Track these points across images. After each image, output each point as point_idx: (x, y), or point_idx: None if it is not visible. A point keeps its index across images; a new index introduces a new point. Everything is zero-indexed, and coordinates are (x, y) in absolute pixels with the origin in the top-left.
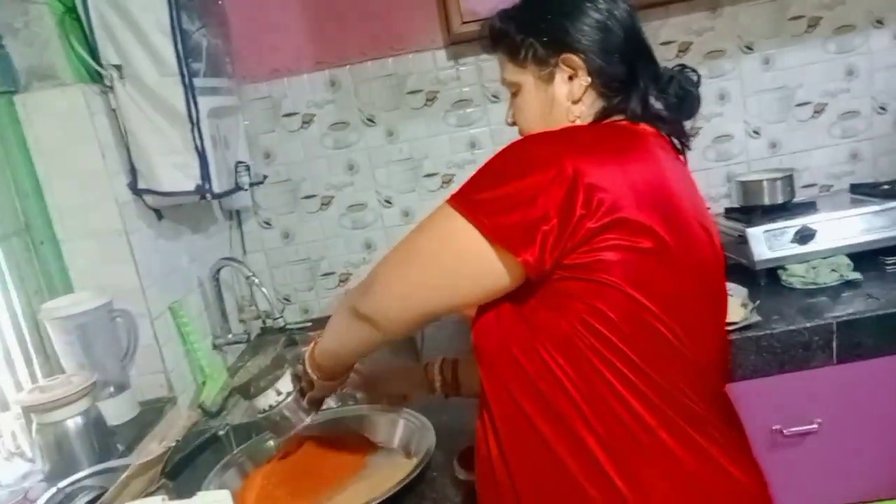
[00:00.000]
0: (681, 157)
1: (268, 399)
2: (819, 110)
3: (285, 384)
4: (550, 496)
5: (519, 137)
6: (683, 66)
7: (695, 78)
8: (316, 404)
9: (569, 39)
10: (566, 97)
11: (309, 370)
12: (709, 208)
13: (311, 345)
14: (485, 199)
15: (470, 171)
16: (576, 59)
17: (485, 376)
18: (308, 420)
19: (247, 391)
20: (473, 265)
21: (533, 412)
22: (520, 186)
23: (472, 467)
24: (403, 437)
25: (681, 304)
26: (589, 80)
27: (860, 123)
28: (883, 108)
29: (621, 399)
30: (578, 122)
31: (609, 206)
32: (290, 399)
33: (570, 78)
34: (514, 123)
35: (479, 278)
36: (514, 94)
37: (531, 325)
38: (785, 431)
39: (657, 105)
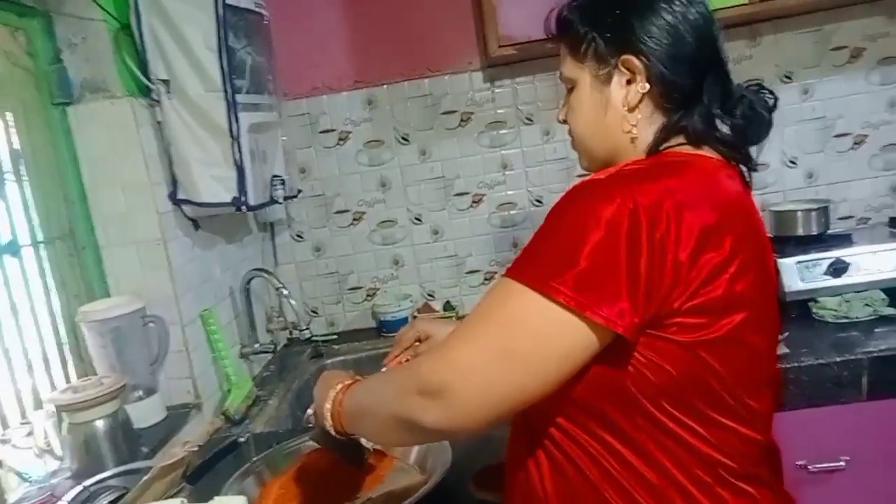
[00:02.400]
0: (747, 187)
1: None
2: (859, 142)
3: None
4: None
5: (557, 157)
6: (761, 86)
7: (770, 101)
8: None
9: (633, 39)
10: (621, 102)
11: (326, 418)
12: None
13: (339, 390)
14: (557, 266)
15: (500, 192)
16: (636, 63)
17: (532, 413)
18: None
19: None
20: (560, 342)
21: (577, 454)
22: (591, 242)
23: (487, 487)
24: (419, 453)
25: (751, 368)
26: (647, 87)
27: None
28: None
29: (672, 455)
30: (634, 133)
31: (701, 257)
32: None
33: (629, 82)
34: (565, 121)
35: (567, 354)
36: (570, 91)
37: (587, 371)
38: (811, 468)
39: (723, 126)
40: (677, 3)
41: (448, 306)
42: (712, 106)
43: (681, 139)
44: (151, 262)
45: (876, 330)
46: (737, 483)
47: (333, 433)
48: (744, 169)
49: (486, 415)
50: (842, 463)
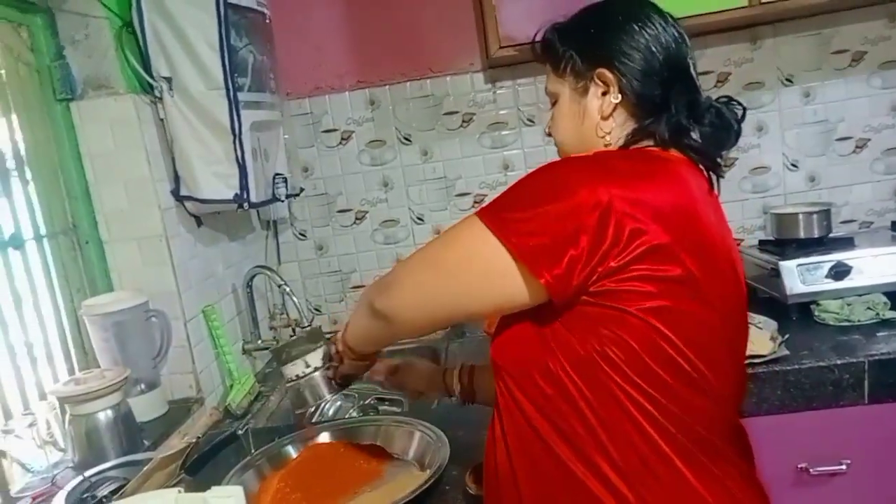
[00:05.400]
0: (713, 189)
1: (296, 369)
2: (861, 145)
3: (315, 358)
4: None
5: (553, 159)
6: (730, 99)
7: (739, 112)
8: (345, 382)
9: (606, 55)
10: (597, 111)
11: (341, 348)
12: (739, 242)
13: (344, 326)
14: (516, 218)
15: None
16: (609, 76)
17: (500, 391)
18: (331, 397)
19: (280, 356)
20: (497, 280)
21: (546, 431)
22: (552, 209)
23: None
24: (419, 449)
25: (703, 337)
26: (620, 97)
27: None
28: None
29: (638, 426)
30: (608, 139)
31: (640, 236)
32: (317, 374)
33: (603, 94)
34: (550, 134)
35: (498, 294)
36: (553, 104)
37: (551, 346)
38: (811, 470)
39: (692, 133)
40: (650, 26)
41: None
42: (680, 115)
43: (650, 142)
44: (154, 257)
45: (878, 333)
46: (701, 458)
47: (348, 356)
48: (712, 175)
49: (415, 310)
50: (843, 466)
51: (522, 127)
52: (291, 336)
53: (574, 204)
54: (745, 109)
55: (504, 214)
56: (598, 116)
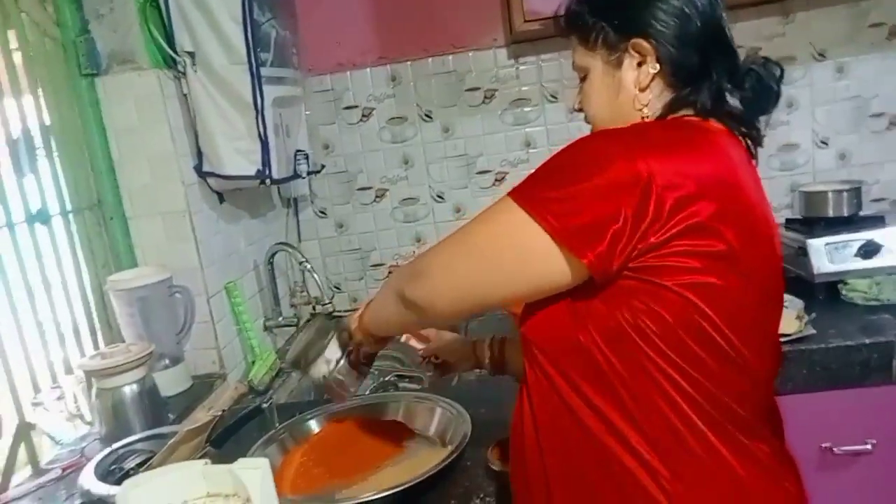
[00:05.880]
0: (752, 159)
1: (320, 369)
2: (895, 122)
3: (333, 351)
4: (586, 488)
5: (582, 134)
6: (767, 60)
7: (777, 72)
8: (369, 361)
9: (640, 24)
10: (633, 84)
11: (360, 337)
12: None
13: (359, 312)
14: (553, 197)
15: (523, 170)
16: (645, 45)
17: (529, 366)
18: (362, 381)
19: (299, 365)
20: (535, 264)
21: (577, 405)
22: (590, 186)
23: (507, 459)
24: (440, 425)
25: (741, 313)
26: (658, 67)
27: None
28: None
29: (670, 400)
30: (645, 111)
31: (682, 210)
32: (341, 364)
33: (639, 64)
34: (580, 109)
35: (539, 277)
36: (583, 79)
37: (584, 319)
38: (835, 450)
39: (732, 100)
40: None
41: None
42: (721, 81)
43: (689, 111)
44: (177, 233)
45: None
46: (735, 434)
47: (366, 342)
48: (750, 143)
49: (450, 298)
50: (868, 446)
51: (545, 103)
52: (312, 314)
53: (613, 179)
54: (782, 70)
55: (539, 194)
56: (636, 89)
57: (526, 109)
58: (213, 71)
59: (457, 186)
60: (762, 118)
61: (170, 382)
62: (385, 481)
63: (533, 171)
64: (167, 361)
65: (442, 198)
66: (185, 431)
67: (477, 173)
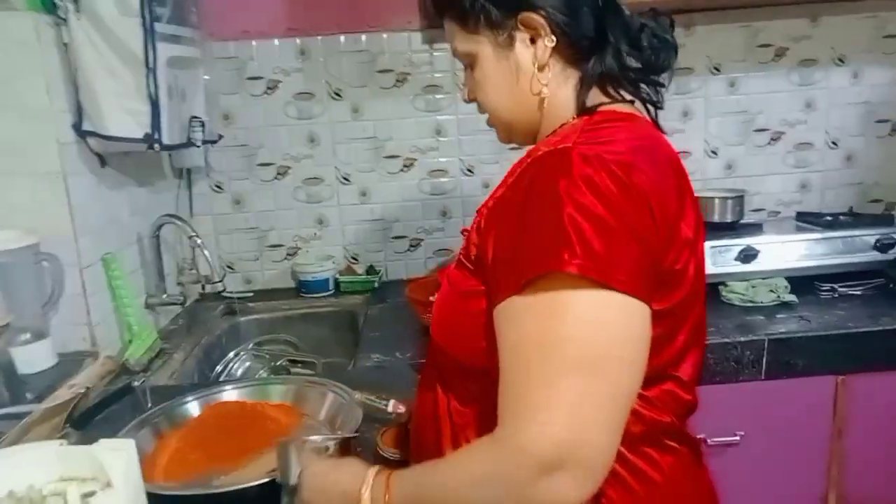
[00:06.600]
0: (664, 134)
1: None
2: (776, 138)
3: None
4: None
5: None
6: (654, 10)
7: (666, 23)
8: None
9: None
10: (531, 62)
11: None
12: None
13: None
14: (602, 254)
15: (432, 157)
16: (535, 18)
17: (444, 374)
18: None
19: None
20: (636, 332)
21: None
22: (618, 227)
23: (396, 445)
24: (330, 410)
25: (687, 312)
26: (554, 40)
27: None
28: None
29: None
30: (545, 91)
31: (679, 232)
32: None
33: (533, 40)
34: (473, 100)
35: (646, 340)
36: (471, 67)
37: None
38: (709, 441)
39: (632, 62)
40: None
41: (371, 270)
42: (620, 43)
43: (605, 98)
44: (49, 196)
45: (777, 315)
46: (665, 440)
47: None
48: (650, 108)
49: (613, 443)
50: (737, 437)
51: (457, 92)
52: (201, 294)
53: (621, 210)
54: (672, 20)
55: (590, 257)
56: (534, 68)
57: (438, 97)
58: (100, 20)
59: (364, 170)
60: (664, 76)
61: (31, 359)
62: (267, 466)
63: (540, 236)
64: (29, 335)
65: (348, 180)
66: (42, 409)
67: (385, 157)
